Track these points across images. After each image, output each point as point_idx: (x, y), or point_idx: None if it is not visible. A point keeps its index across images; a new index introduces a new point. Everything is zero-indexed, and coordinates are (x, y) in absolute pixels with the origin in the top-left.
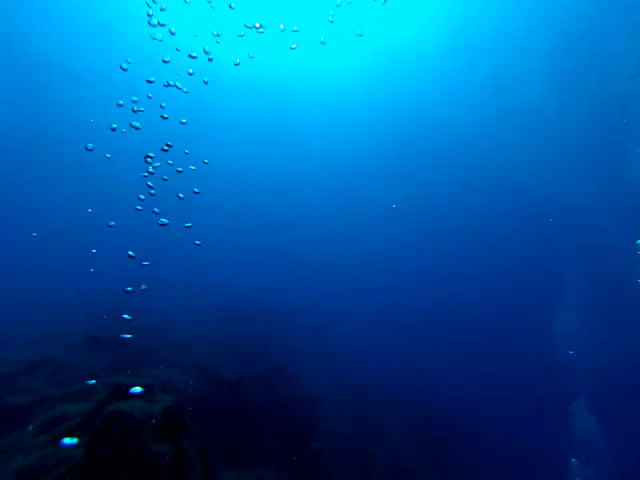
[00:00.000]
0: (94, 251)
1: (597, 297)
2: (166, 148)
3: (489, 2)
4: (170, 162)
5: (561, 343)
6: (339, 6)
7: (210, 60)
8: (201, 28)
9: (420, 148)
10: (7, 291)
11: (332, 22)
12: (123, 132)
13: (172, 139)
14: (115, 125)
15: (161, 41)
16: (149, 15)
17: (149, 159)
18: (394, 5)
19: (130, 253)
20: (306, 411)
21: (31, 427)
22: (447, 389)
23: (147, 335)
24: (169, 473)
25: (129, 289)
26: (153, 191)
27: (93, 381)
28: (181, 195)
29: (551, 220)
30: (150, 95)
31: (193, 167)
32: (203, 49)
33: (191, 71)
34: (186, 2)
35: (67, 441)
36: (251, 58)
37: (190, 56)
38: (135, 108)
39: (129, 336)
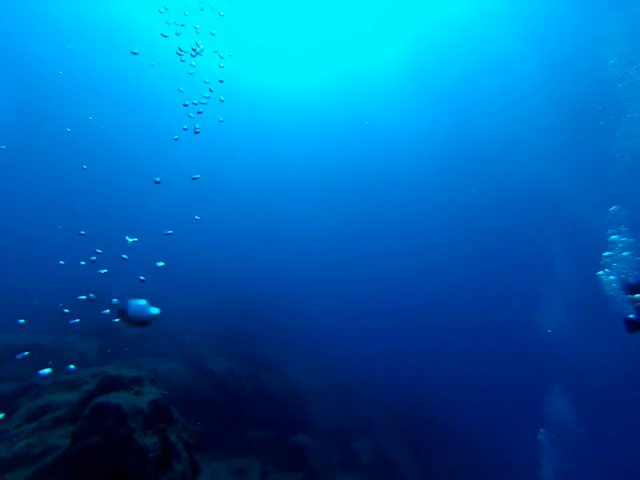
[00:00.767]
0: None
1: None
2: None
3: None
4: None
5: (542, 325)
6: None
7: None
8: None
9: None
10: None
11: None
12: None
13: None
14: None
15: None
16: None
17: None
18: None
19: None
20: (292, 403)
21: (1, 415)
22: (431, 382)
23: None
24: (155, 465)
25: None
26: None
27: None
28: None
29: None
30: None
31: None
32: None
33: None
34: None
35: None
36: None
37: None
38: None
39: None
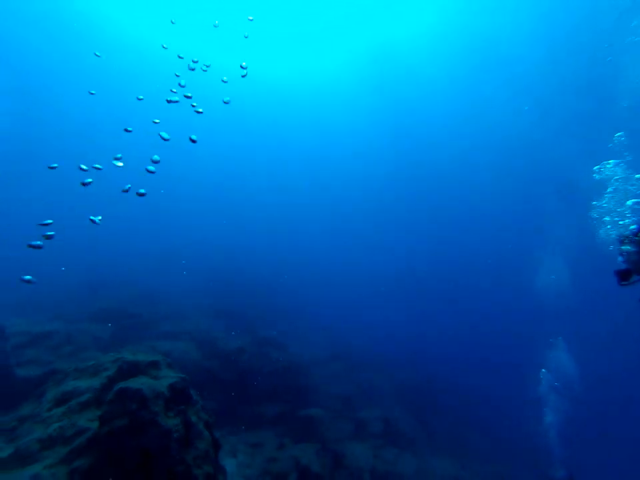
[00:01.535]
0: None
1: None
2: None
3: None
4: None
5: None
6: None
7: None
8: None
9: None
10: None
11: None
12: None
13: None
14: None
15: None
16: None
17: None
18: None
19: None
20: (299, 378)
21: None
22: (433, 347)
23: (140, 306)
24: (179, 444)
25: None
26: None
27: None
28: None
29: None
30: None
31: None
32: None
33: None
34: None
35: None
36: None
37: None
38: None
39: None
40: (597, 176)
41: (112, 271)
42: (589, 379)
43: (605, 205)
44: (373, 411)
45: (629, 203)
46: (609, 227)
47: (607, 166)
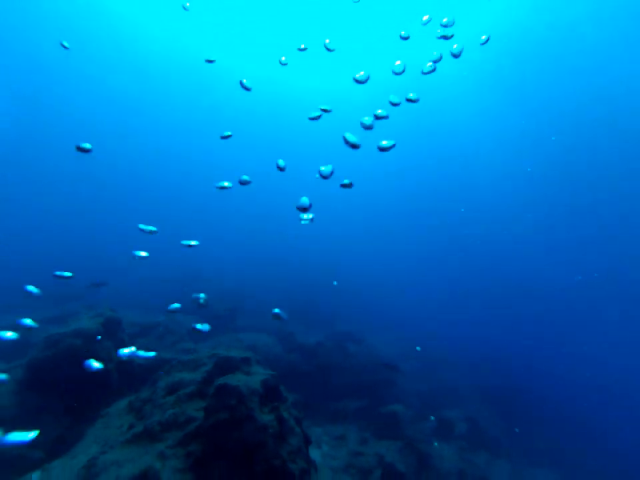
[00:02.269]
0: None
1: None
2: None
3: None
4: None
5: None
6: None
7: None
8: None
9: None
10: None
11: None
12: None
13: None
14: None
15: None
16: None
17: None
18: None
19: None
20: (381, 375)
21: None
22: (514, 351)
23: (226, 302)
24: (275, 439)
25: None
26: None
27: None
28: None
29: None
30: None
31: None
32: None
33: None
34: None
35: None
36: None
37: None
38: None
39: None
40: None
41: (202, 271)
42: None
43: None
44: (457, 411)
45: None
46: None
47: None
